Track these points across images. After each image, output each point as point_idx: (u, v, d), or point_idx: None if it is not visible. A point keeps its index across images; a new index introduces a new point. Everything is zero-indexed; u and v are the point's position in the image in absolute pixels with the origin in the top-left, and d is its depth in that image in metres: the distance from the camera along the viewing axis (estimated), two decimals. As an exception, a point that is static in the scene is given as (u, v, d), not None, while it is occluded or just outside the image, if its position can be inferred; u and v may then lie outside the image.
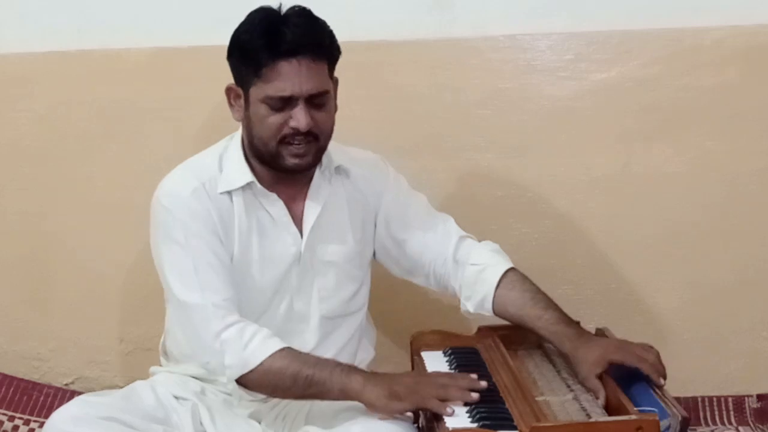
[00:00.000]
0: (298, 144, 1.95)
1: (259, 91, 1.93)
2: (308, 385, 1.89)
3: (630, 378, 1.89)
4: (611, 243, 2.57)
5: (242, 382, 1.93)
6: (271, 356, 1.90)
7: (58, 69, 2.59)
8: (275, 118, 1.94)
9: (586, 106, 2.54)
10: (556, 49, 2.53)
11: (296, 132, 1.94)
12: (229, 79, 2.15)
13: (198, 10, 2.56)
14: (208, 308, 1.93)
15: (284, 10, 1.96)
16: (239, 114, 2.01)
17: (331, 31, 1.98)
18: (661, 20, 2.50)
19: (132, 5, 2.57)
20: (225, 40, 2.47)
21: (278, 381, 1.91)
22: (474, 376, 1.89)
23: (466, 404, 1.85)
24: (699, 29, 2.50)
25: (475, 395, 1.84)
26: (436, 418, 1.84)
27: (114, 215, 2.61)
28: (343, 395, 1.89)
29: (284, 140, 1.95)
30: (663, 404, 1.78)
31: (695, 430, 2.48)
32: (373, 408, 1.87)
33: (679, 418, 1.73)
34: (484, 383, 1.87)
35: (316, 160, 2.02)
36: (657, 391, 1.84)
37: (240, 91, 1.98)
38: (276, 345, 1.91)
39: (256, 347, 1.90)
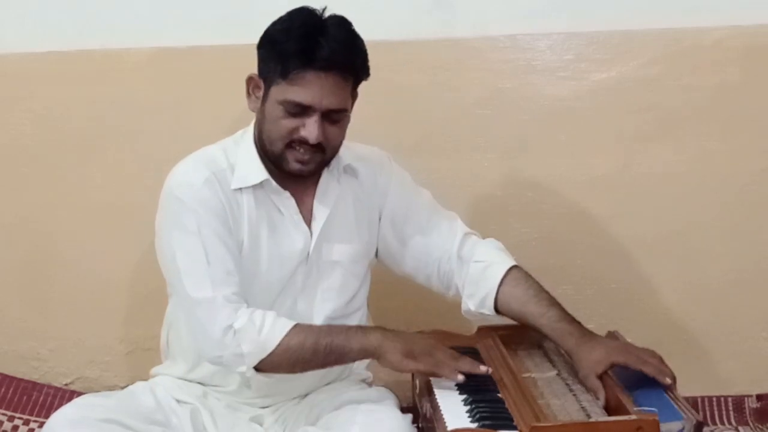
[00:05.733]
0: (303, 152, 1.96)
1: (280, 91, 1.93)
2: (328, 353, 1.93)
3: (642, 382, 1.88)
4: (611, 243, 2.57)
5: (261, 366, 1.93)
6: (287, 335, 1.91)
7: (58, 69, 2.59)
8: (288, 122, 1.94)
9: (586, 106, 2.54)
10: (556, 49, 2.53)
11: (304, 141, 1.94)
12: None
13: (198, 10, 2.56)
14: (218, 302, 1.92)
15: (325, 15, 1.95)
16: (255, 105, 2.01)
17: (365, 52, 1.98)
18: (661, 20, 2.50)
19: (132, 5, 2.57)
20: (225, 40, 2.51)
21: (298, 356, 1.93)
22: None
23: (465, 403, 1.88)
24: (699, 29, 2.50)
25: (484, 367, 1.93)
26: (433, 410, 1.87)
27: (114, 215, 2.61)
28: (363, 354, 1.96)
29: (291, 145, 1.96)
30: (677, 407, 1.78)
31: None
32: (388, 364, 1.93)
33: (694, 422, 1.73)
34: (489, 369, 1.96)
35: (319, 168, 2.03)
36: (670, 393, 1.83)
37: (261, 84, 1.98)
38: (287, 323, 1.93)
39: (270, 329, 1.91)
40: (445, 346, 2.02)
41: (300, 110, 1.92)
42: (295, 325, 1.93)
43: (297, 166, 1.97)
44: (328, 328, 1.97)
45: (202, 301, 1.93)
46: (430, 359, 1.94)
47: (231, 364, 1.94)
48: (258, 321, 1.91)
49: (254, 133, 2.04)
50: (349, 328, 1.99)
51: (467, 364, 1.94)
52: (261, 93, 1.98)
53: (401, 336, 1.97)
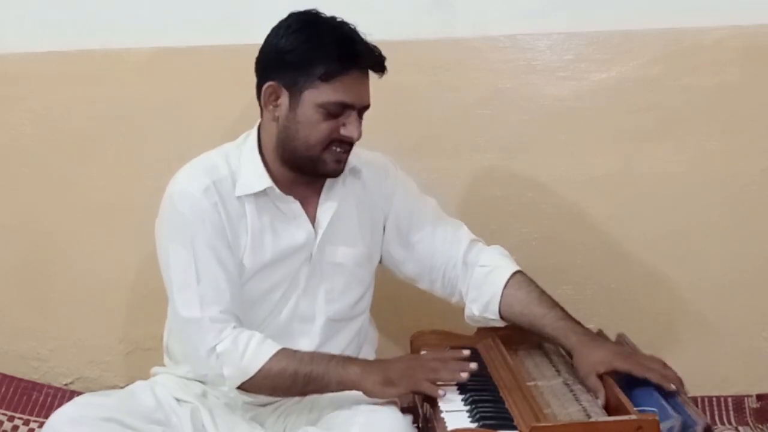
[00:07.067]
0: (342, 151, 1.99)
1: (319, 95, 1.94)
2: (307, 382, 1.94)
3: (634, 381, 1.87)
4: (611, 243, 2.57)
5: (243, 387, 1.97)
6: (268, 361, 1.93)
7: (58, 69, 2.59)
8: (328, 124, 1.96)
9: (586, 106, 2.54)
10: (556, 49, 2.53)
11: (346, 140, 1.98)
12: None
13: (198, 10, 2.56)
14: (204, 322, 1.95)
15: (323, 17, 1.99)
16: (274, 114, 2.00)
17: None
18: (661, 20, 2.50)
19: (132, 5, 2.57)
20: (225, 40, 2.50)
21: (278, 382, 1.95)
22: (467, 352, 1.97)
23: (465, 403, 1.88)
24: (699, 29, 2.50)
25: (464, 375, 1.90)
26: (433, 410, 1.87)
27: (114, 215, 2.61)
28: (342, 386, 1.95)
29: (329, 146, 1.98)
30: (686, 408, 1.78)
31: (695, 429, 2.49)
32: (370, 395, 1.93)
33: (703, 425, 1.73)
34: (474, 365, 1.93)
35: (345, 166, 2.05)
36: (682, 396, 1.83)
37: (284, 92, 1.97)
38: (271, 349, 1.94)
39: (253, 354, 1.93)
40: (423, 357, 2.04)
41: (340, 110, 1.95)
42: (279, 351, 1.94)
43: (335, 166, 2.00)
44: (311, 357, 1.97)
45: (190, 321, 1.96)
46: (409, 381, 1.92)
47: (215, 383, 2.00)
48: (242, 345, 1.93)
49: (258, 141, 2.04)
50: (331, 358, 1.97)
51: (448, 373, 1.92)
52: (284, 101, 1.97)
53: (379, 365, 1.97)
